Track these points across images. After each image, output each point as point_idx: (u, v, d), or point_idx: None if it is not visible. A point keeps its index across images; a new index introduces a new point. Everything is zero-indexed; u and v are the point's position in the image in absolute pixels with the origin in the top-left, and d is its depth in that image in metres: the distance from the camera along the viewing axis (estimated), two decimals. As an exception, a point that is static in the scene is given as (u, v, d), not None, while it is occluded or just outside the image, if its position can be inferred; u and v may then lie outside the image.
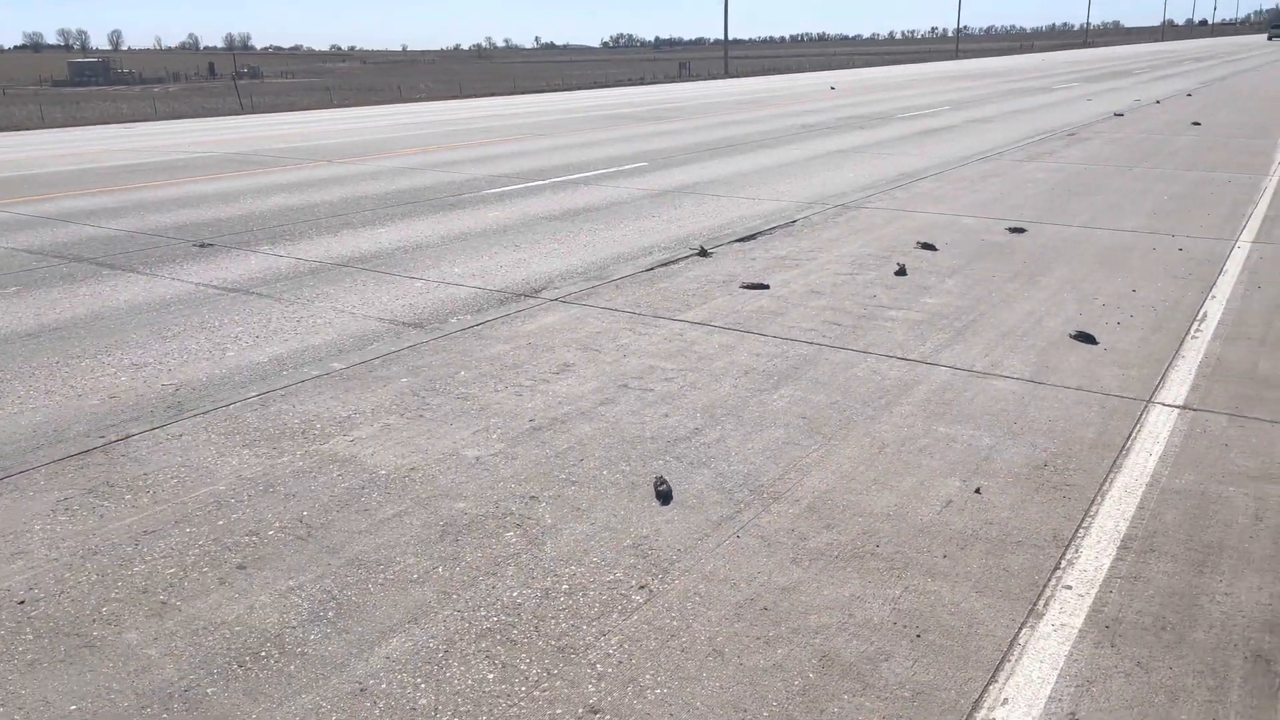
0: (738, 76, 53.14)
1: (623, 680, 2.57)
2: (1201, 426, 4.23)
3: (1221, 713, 2.45)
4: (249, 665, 2.68)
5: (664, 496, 3.58)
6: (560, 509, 3.52)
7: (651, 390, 4.69)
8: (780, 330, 5.64)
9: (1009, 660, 2.67)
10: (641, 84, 49.48)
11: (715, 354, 5.23)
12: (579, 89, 45.66)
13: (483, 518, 3.47)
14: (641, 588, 3.02)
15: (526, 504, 3.56)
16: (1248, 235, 8.06)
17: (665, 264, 7.37)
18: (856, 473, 3.82)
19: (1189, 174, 11.53)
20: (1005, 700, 2.51)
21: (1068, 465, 3.88)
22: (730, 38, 65.61)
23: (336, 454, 4.06)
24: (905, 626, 2.82)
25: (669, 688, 2.54)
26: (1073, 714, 2.45)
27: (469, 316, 6.00)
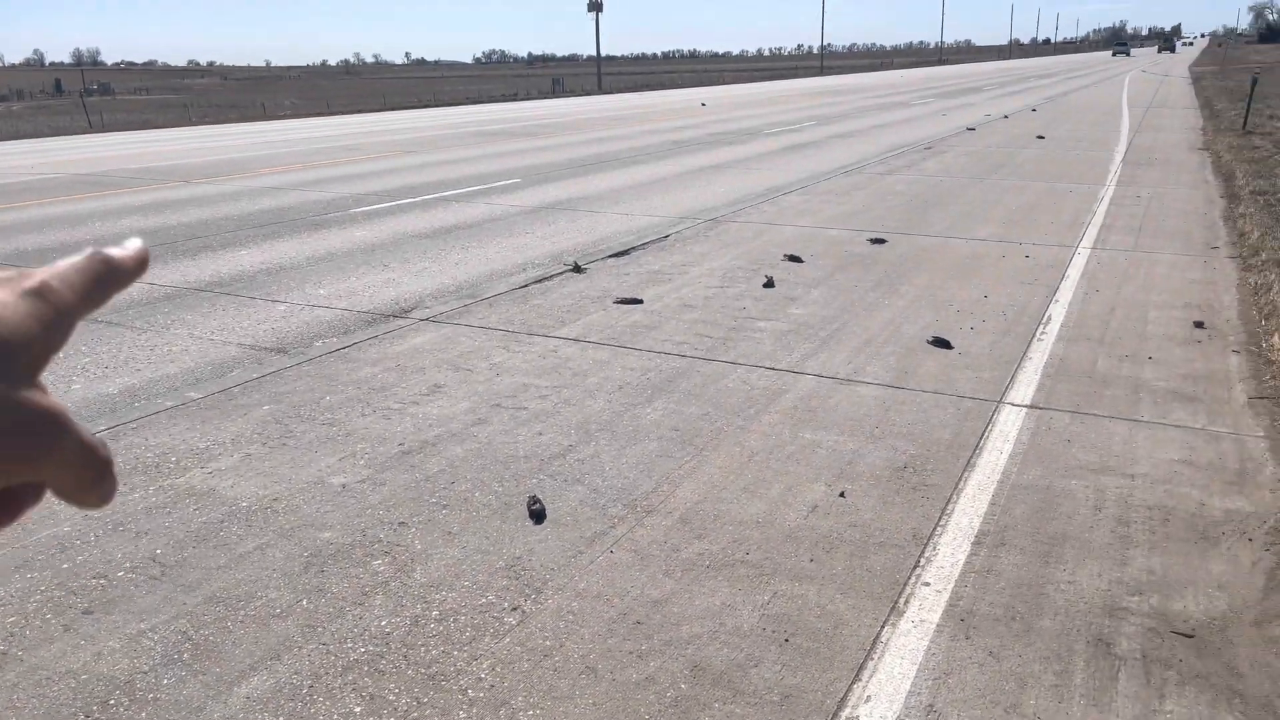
0: (611, 93, 53.57)
1: (495, 704, 2.55)
2: (1047, 424, 4.47)
3: (1067, 695, 2.60)
4: (97, 716, 2.54)
5: (537, 516, 3.57)
6: (431, 534, 3.47)
7: (525, 409, 4.67)
8: (654, 344, 5.69)
9: (872, 659, 2.76)
10: (515, 100, 49.34)
11: (589, 370, 5.25)
12: (451, 105, 45.18)
13: (349, 546, 3.38)
14: (514, 609, 3.00)
15: (395, 530, 3.49)
16: (1087, 242, 8.58)
17: (539, 280, 7.36)
18: (727, 482, 3.89)
19: (1035, 184, 12.21)
20: (869, 698, 2.59)
21: (926, 466, 4.04)
22: (603, 54, 66.17)
23: (193, 487, 3.89)
24: (774, 632, 2.89)
25: (542, 709, 2.53)
26: (931, 706, 2.55)
27: (335, 339, 5.85)
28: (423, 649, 2.79)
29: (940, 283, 7.17)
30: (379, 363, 5.40)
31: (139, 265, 0.42)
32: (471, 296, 6.90)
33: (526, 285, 7.21)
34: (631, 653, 2.77)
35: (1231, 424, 4.44)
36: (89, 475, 0.38)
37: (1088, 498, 3.74)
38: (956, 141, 18.12)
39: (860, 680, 2.66)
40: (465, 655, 2.76)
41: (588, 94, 53.57)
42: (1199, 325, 5.96)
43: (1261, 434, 4.33)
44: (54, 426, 0.37)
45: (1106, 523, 3.54)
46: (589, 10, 61.65)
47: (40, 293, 0.38)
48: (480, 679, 2.65)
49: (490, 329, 6.01)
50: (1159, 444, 4.23)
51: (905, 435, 4.37)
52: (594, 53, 64.94)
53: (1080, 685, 2.63)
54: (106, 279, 0.41)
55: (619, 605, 3.01)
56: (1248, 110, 18.12)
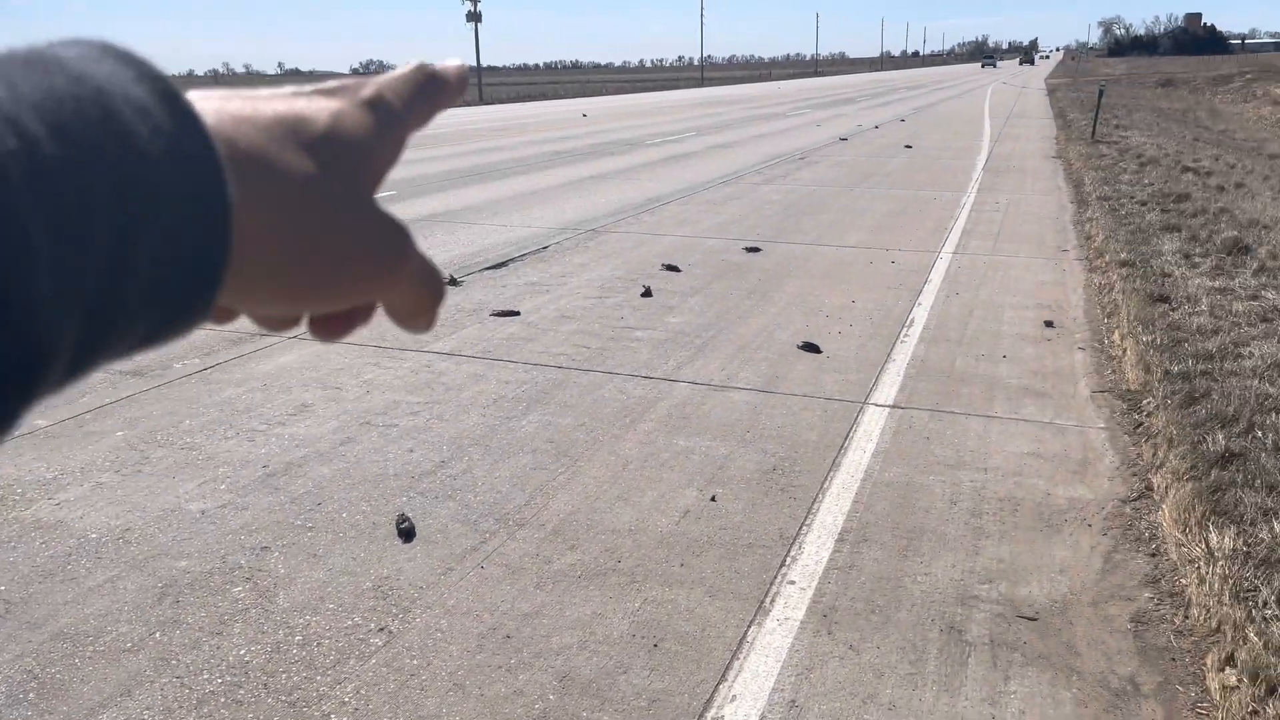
0: (492, 103, 53.23)
1: (358, 728, 2.50)
2: (908, 423, 4.66)
3: (920, 683, 2.71)
4: (-75, 769, 2.39)
5: (406, 534, 3.52)
6: (295, 557, 3.38)
7: (396, 425, 4.60)
8: (530, 356, 5.68)
9: (738, 658, 2.82)
10: (394, 111, 48.38)
11: (464, 384, 5.20)
12: (328, 117, 44.03)
13: (207, 574, 3.26)
14: (381, 630, 2.95)
15: (257, 555, 3.39)
16: (949, 247, 8.96)
17: (414, 295, 7.24)
18: (601, 492, 3.91)
19: (902, 193, 12.69)
20: (734, 697, 2.65)
21: (794, 468, 4.15)
22: (484, 65, 65.67)
23: (40, 520, 3.69)
24: (643, 638, 2.92)
25: (407, 729, 2.50)
26: (793, 701, 2.63)
27: (197, 360, 5.64)
28: (284, 676, 2.72)
29: (811, 289, 7.38)
30: (243, 383, 5.23)
31: (460, 83, 0.41)
32: (344, 312, 6.74)
33: (401, 300, 7.09)
34: (500, 667, 2.76)
35: (1076, 417, 4.71)
36: (428, 295, 0.38)
37: (944, 492, 3.91)
38: (830, 151, 18.68)
39: (726, 680, 2.72)
40: (329, 680, 2.70)
41: (468, 104, 53.11)
42: (1049, 324, 6.30)
43: (1102, 425, 4.60)
44: (406, 241, 0.37)
45: (961, 515, 3.71)
46: (468, 21, 61.11)
47: (375, 103, 0.37)
48: (344, 703, 2.60)
49: (361, 345, 5.90)
50: (1010, 438, 4.45)
51: (775, 438, 4.48)
52: (474, 63, 64.37)
53: (933, 672, 2.75)
54: (433, 94, 0.39)
55: (489, 620, 3.00)
56: (1095, 120, 19.25)
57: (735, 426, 4.62)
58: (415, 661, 2.78)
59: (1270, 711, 2.44)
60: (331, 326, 0.38)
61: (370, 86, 0.37)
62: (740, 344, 5.95)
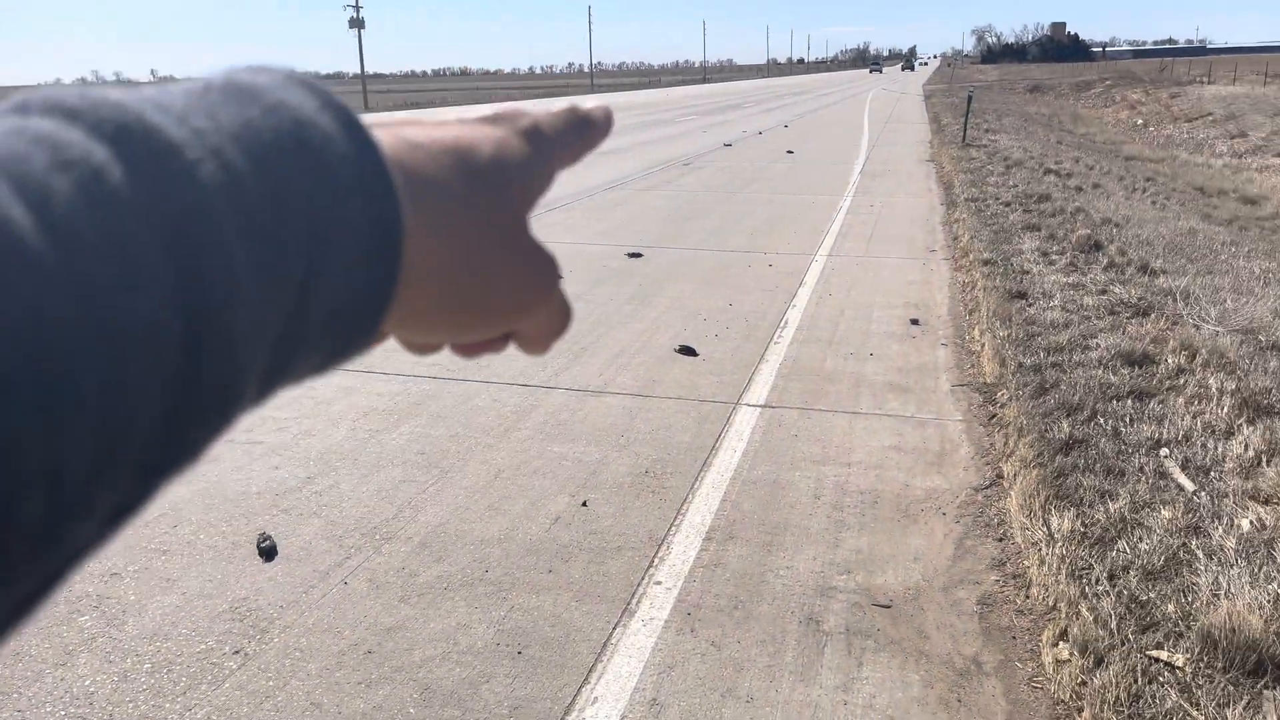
0: (378, 111, 52.26)
1: (207, 755, 2.43)
2: (778, 421, 4.77)
3: (778, 674, 2.78)
4: None
5: (267, 553, 3.43)
6: (147, 583, 3.26)
7: (261, 443, 4.48)
8: (404, 368, 5.61)
9: (601, 661, 2.85)
10: (275, 119, 47.09)
11: (334, 397, 5.10)
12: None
13: (51, 604, 3.12)
14: (236, 652, 2.87)
15: (106, 583, 3.25)
16: (825, 249, 9.21)
17: (287, 308, 7.07)
18: (471, 502, 3.89)
19: (783, 197, 12.98)
20: (596, 699, 2.67)
21: (666, 470, 4.21)
22: (370, 72, 64.44)
23: None
24: (508, 646, 2.92)
25: (260, 753, 2.44)
26: (654, 700, 2.67)
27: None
28: (130, 705, 2.62)
29: (691, 293, 7.49)
30: (100, 404, 5.01)
31: (607, 124, 0.41)
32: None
33: (274, 313, 6.91)
34: (360, 683, 2.73)
35: (936, 410, 4.90)
36: (560, 324, 0.39)
37: (809, 487, 4.02)
38: (715, 157, 18.97)
39: (589, 683, 2.74)
40: (178, 706, 2.61)
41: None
42: (914, 322, 6.54)
43: (959, 418, 4.80)
44: (556, 272, 0.37)
45: (824, 509, 3.82)
46: (351, 27, 59.92)
47: (532, 134, 0.37)
48: (193, 730, 2.52)
49: (230, 361, 5.72)
50: (874, 433, 4.61)
51: (649, 441, 4.53)
52: (359, 70, 63.08)
53: (790, 663, 2.83)
54: (585, 133, 0.40)
55: (350, 637, 2.95)
56: (965, 125, 20.06)
57: (610, 431, 4.65)
58: (271, 683, 2.72)
59: (1097, 681, 2.60)
60: (473, 349, 0.39)
61: (528, 118, 0.38)
62: (619, 349, 6.00)
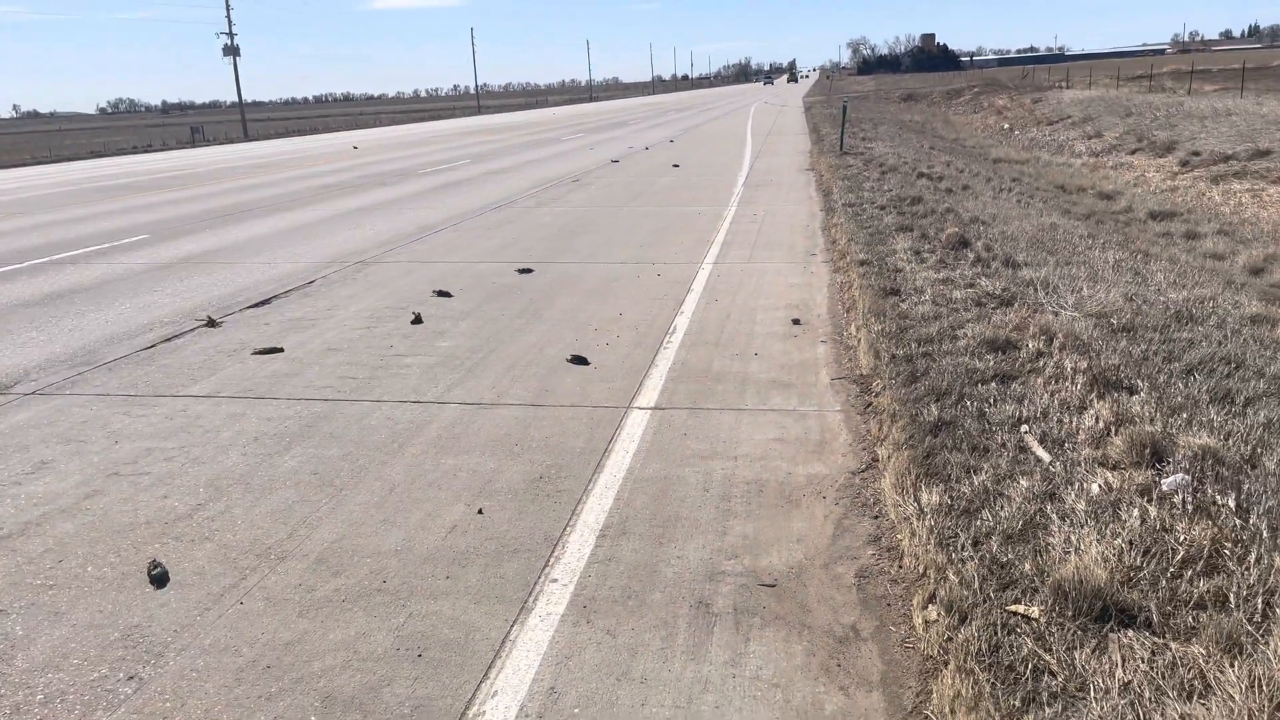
0: (259, 139, 50.97)
1: (104, 778, 2.43)
2: (668, 422, 4.93)
3: (670, 655, 2.91)
4: None
5: (158, 580, 3.40)
6: (34, 617, 3.20)
7: (148, 474, 4.40)
8: (294, 391, 5.57)
9: (500, 657, 2.93)
10: (148, 151, 45.50)
11: (222, 425, 5.04)
12: (73, 160, 40.87)
13: (-70, 647, 3.03)
14: (131, 678, 2.85)
15: (-11, 621, 3.18)
16: (711, 258, 9.47)
17: (168, 339, 6.92)
18: (366, 517, 3.92)
19: (669, 209, 13.24)
20: (495, 693, 2.76)
21: (560, 474, 4.31)
22: (248, 100, 62.80)
23: None
24: (408, 650, 2.97)
25: (159, 771, 2.45)
26: (552, 689, 2.76)
27: (-83, 426, 5.15)
28: (21, 739, 2.58)
29: (582, 305, 7.61)
30: (-28, 446, 4.84)
31: None
32: (88, 363, 6.35)
33: (154, 345, 6.76)
34: (260, 697, 2.74)
35: (816, 403, 5.14)
36: None
37: (698, 481, 4.18)
38: (602, 173, 19.19)
39: (488, 679, 2.82)
40: (71, 736, 2.59)
41: (232, 141, 50.61)
42: (796, 322, 6.81)
43: (838, 408, 5.05)
44: None
45: (713, 500, 3.98)
46: (225, 55, 58.31)
47: None
48: (88, 756, 2.51)
49: (109, 395, 5.58)
50: (759, 427, 4.80)
51: (543, 448, 4.62)
52: (236, 99, 61.31)
53: (682, 644, 2.97)
54: None
55: (248, 654, 2.96)
56: (842, 134, 20.79)
57: (505, 441, 4.73)
58: (168, 704, 2.71)
59: (961, 637, 2.81)
60: None
61: None
62: (511, 362, 6.08)
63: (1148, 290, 7.30)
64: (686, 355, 6.09)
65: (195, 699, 2.74)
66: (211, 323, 7.28)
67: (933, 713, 2.59)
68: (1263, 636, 2.78)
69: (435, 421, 5.03)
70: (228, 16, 58.04)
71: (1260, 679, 2.58)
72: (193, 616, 3.18)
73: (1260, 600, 2.96)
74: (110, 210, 16.60)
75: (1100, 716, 2.47)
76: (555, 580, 3.38)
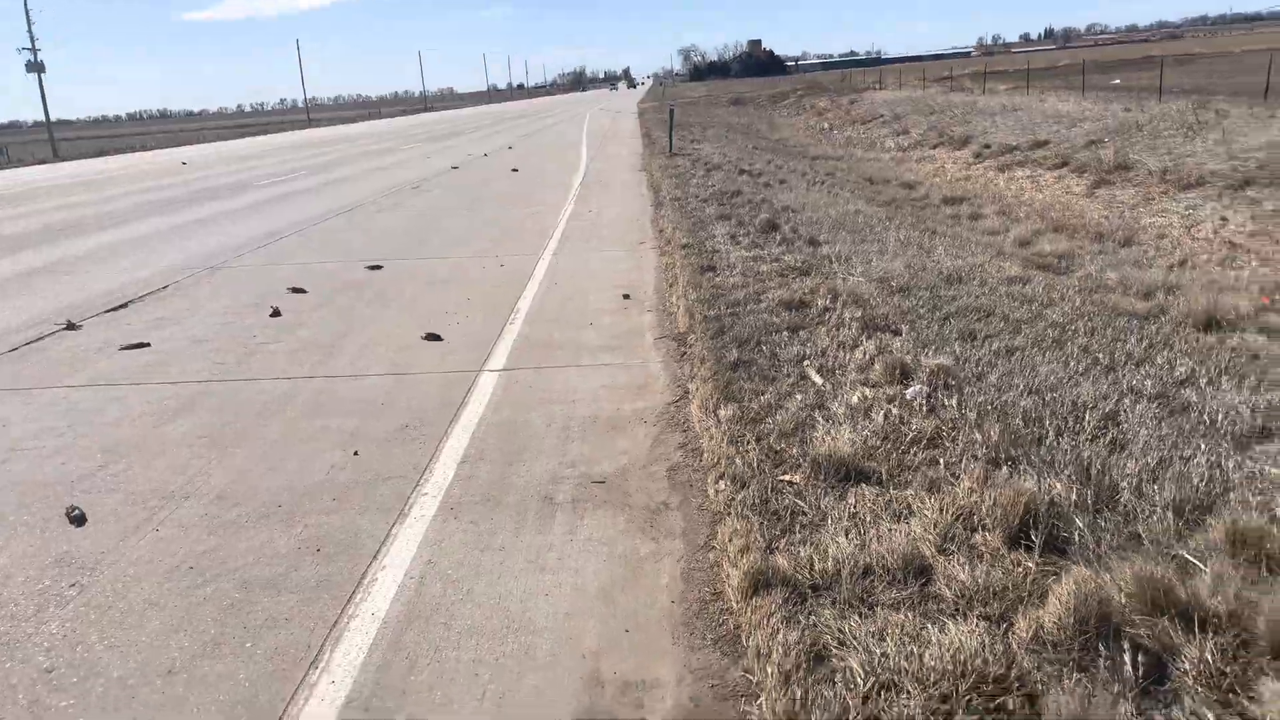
0: (71, 159, 48.41)
1: (72, 643, 3.04)
2: (515, 380, 5.71)
3: (522, 531, 3.71)
4: None
5: (78, 520, 3.95)
6: (-30, 554, 3.70)
7: (46, 447, 4.87)
8: (170, 376, 6.05)
9: (385, 545, 3.66)
10: (-51, 173, 42.54)
11: (106, 406, 5.50)
12: None
13: (-118, 580, 3.51)
14: (73, 585, 3.43)
15: (-70, 558, 3.67)
16: (550, 250, 10.29)
17: (31, 343, 7.18)
18: (254, 466, 4.54)
19: (510, 210, 13.98)
20: (384, 567, 3.49)
21: (423, 424, 5.03)
22: (55, 118, 59.32)
23: None
24: (308, 547, 3.67)
25: (116, 638, 3.07)
26: (430, 560, 3.52)
27: None
28: (-12, 630, 3.14)
29: (433, 293, 8.29)
30: None
31: None
32: (-47, 366, 6.60)
33: (16, 349, 7.02)
34: (189, 585, 3.39)
35: (641, 358, 6.04)
36: None
37: (542, 421, 4.99)
38: (443, 179, 19.71)
39: (378, 559, 3.55)
40: (32, 623, 3.17)
41: (41, 162, 47.90)
42: (626, 297, 7.71)
43: (660, 361, 5.96)
44: None
45: (554, 433, 4.80)
46: (29, 71, 55.03)
47: None
48: (52, 633, 3.10)
49: (-15, 390, 5.92)
50: (593, 379, 5.65)
51: (405, 408, 5.32)
52: (41, 117, 57.87)
53: (531, 524, 3.78)
54: None
55: (171, 562, 3.58)
56: (670, 137, 22.01)
57: (370, 404, 5.40)
58: (111, 597, 3.32)
59: (740, 497, 3.72)
60: None
61: None
62: (369, 342, 6.72)
63: (928, 260, 8.56)
64: (530, 329, 6.89)
65: (135, 591, 3.36)
66: (71, 325, 7.57)
67: (717, 545, 3.50)
68: (956, 481, 3.81)
69: (304, 392, 5.65)
70: (29, 31, 54.87)
71: (948, 505, 3.60)
72: (115, 543, 3.76)
73: (961, 463, 4.01)
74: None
75: (833, 536, 3.43)
76: (426, 494, 4.12)
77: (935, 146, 26.68)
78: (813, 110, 50.20)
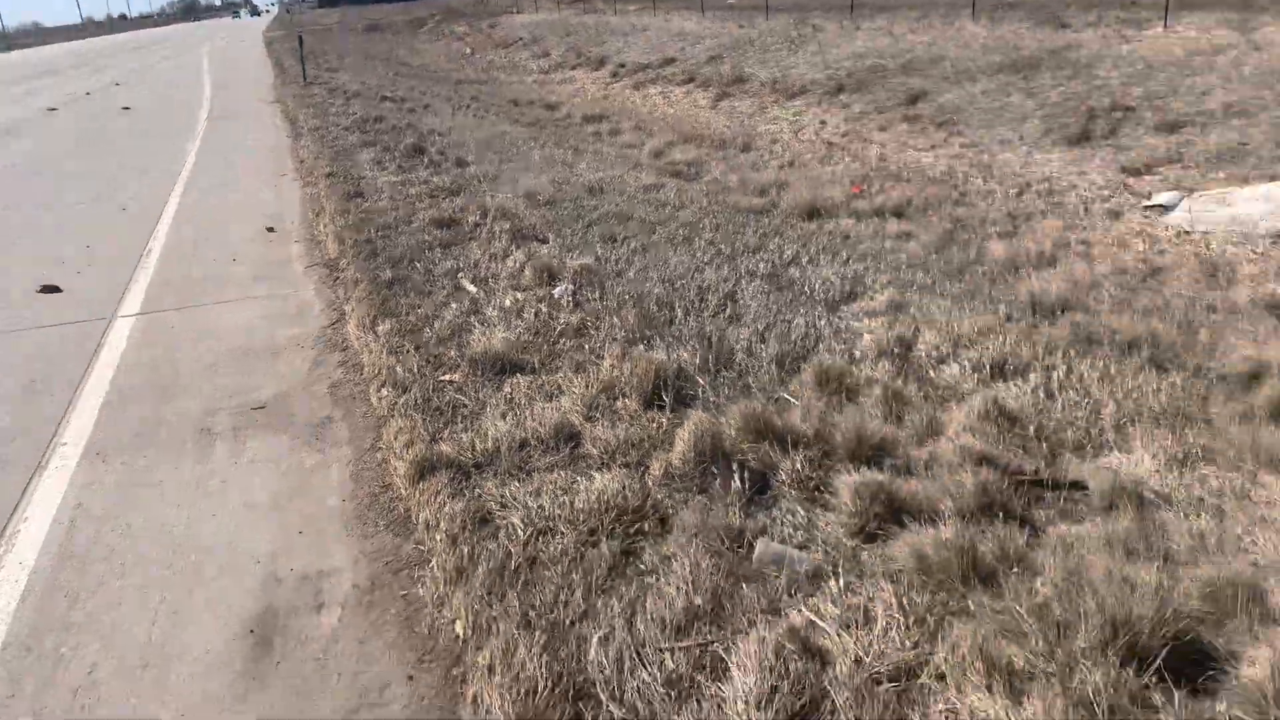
0: None
1: None
2: (156, 322, 5.40)
3: (180, 464, 3.65)
4: None
5: None
6: None
7: None
8: None
9: (26, 498, 3.45)
10: None
11: None
12: None
13: None
14: None
15: None
16: (180, 188, 9.55)
17: None
18: None
19: (126, 152, 12.69)
20: (27, 518, 3.30)
21: (50, 377, 4.66)
22: None
23: None
24: (-70, 516, 3.36)
25: None
26: (79, 504, 3.38)
27: None
28: None
29: (42, 246, 7.47)
30: None
31: None
32: None
33: None
34: None
35: (293, 286, 5.92)
36: None
37: (191, 357, 4.80)
38: (40, 122, 17.37)
39: (18, 512, 3.34)
40: None
41: None
42: (270, 230, 7.43)
43: (312, 289, 5.88)
44: None
45: (204, 368, 4.65)
46: None
47: None
48: None
49: None
50: (243, 311, 5.48)
51: (26, 365, 4.87)
52: None
53: (190, 455, 3.71)
54: None
55: None
56: (303, 65, 20.86)
57: (-16, 364, 4.89)
58: None
59: (403, 399, 3.89)
60: None
61: None
62: (-27, 303, 6.00)
63: (571, 175, 8.99)
64: (166, 270, 6.47)
65: None
66: None
67: (383, 445, 3.66)
68: (600, 361, 4.21)
69: (-102, 362, 4.99)
70: None
71: (593, 381, 3.99)
72: None
73: (603, 346, 4.42)
74: None
75: (492, 421, 3.70)
76: (65, 444, 3.89)
77: (574, 68, 27.43)
78: (453, 35, 49.37)
